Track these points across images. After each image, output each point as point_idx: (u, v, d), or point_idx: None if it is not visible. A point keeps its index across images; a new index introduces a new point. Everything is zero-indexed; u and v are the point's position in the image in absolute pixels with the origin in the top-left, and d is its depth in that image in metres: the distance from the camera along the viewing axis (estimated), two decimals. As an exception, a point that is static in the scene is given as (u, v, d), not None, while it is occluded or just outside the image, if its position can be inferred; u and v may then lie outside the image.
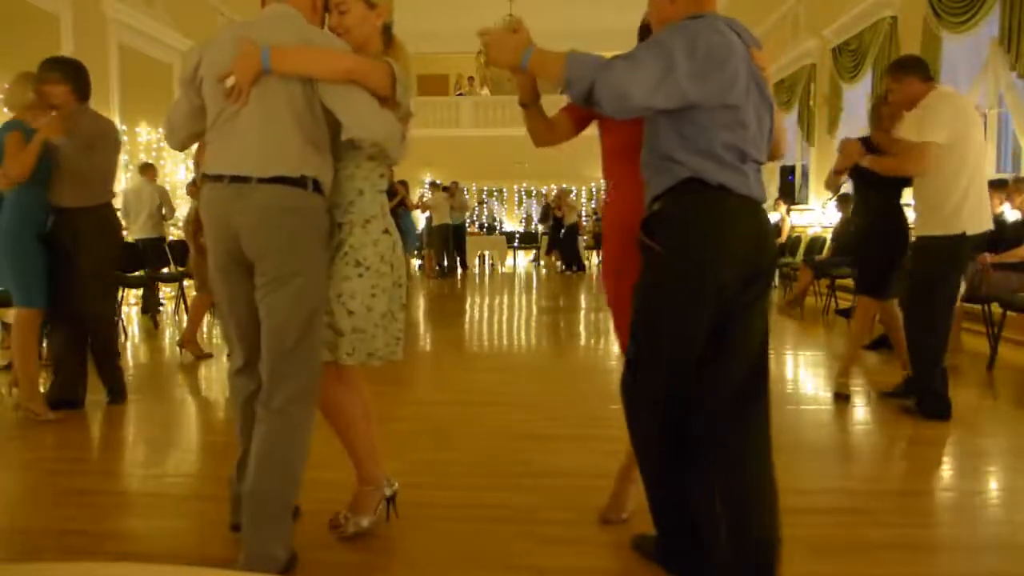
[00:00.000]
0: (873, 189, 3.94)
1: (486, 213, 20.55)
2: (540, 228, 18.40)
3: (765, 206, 1.94)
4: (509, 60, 1.87)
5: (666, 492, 1.95)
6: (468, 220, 19.22)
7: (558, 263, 14.84)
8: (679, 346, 1.82)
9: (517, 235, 18.78)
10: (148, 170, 7.67)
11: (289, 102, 1.95)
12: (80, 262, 3.67)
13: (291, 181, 1.94)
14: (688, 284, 1.78)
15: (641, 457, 1.98)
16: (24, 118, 3.60)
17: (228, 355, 2.23)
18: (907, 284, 3.75)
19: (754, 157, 1.84)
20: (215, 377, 4.78)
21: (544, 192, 18.81)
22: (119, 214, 7.90)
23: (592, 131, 2.27)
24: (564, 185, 16.35)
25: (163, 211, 7.52)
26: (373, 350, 2.17)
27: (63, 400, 3.73)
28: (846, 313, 6.19)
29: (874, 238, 4.00)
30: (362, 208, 2.15)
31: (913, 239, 3.75)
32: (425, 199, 13.33)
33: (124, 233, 6.54)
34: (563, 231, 14.65)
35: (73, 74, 3.65)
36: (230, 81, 1.91)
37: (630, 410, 1.95)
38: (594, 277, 12.85)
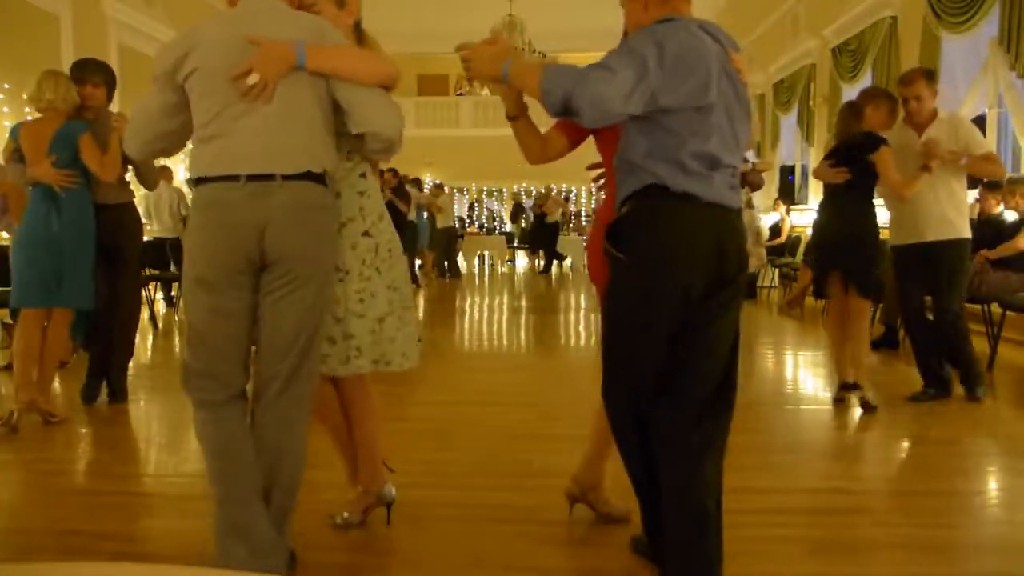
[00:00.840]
0: (868, 188, 3.87)
1: (486, 213, 20.53)
2: (509, 227, 18.26)
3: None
4: (490, 72, 1.88)
5: (646, 490, 1.95)
6: (468, 220, 19.25)
7: (539, 263, 14.55)
8: (643, 347, 1.83)
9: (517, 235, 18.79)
10: (164, 172, 8.05)
11: (316, 96, 1.91)
12: (121, 259, 3.76)
13: (315, 177, 1.90)
14: (649, 287, 1.79)
15: (623, 455, 2.00)
16: (68, 118, 3.53)
17: (199, 388, 1.94)
18: (948, 285, 3.83)
19: (727, 162, 1.82)
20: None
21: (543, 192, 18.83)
22: (143, 215, 8.27)
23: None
24: (555, 185, 16.23)
25: (182, 211, 7.81)
26: (377, 357, 2.13)
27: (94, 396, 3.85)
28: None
29: (876, 238, 3.92)
30: (338, 211, 2.09)
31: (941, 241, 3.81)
32: (439, 200, 13.23)
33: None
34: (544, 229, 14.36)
35: (111, 78, 3.74)
36: (253, 78, 1.82)
37: (607, 409, 1.98)
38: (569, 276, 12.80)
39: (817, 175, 4.05)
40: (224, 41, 1.88)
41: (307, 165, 1.89)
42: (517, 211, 18.41)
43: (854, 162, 3.76)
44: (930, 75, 3.91)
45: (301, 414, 1.96)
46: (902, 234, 3.90)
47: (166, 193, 7.86)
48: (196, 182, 1.90)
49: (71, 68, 3.71)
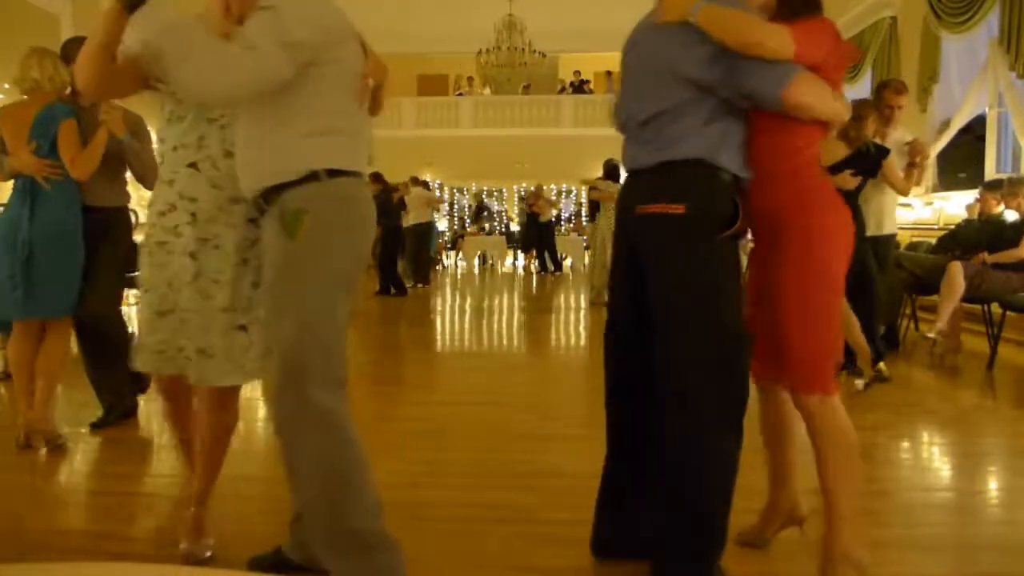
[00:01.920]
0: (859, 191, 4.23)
1: (485, 213, 20.50)
2: (469, 228, 18.12)
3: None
4: None
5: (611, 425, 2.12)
6: (468, 220, 19.23)
7: (535, 263, 14.50)
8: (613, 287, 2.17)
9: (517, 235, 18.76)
10: None
11: None
12: (107, 264, 3.41)
13: None
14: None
15: (608, 422, 2.15)
16: (54, 101, 3.13)
17: (337, 399, 1.77)
18: (882, 272, 4.54)
19: (632, 120, 1.97)
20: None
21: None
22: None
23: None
24: (553, 185, 16.17)
25: None
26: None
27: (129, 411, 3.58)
28: None
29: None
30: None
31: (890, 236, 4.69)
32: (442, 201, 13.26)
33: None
34: (540, 229, 14.30)
35: None
36: (372, 83, 1.86)
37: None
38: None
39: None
40: (356, 43, 1.86)
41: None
42: (479, 211, 18.23)
43: (872, 168, 4.18)
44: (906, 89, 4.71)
45: None
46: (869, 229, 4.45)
47: None
48: (331, 173, 1.77)
49: (62, 46, 3.24)
